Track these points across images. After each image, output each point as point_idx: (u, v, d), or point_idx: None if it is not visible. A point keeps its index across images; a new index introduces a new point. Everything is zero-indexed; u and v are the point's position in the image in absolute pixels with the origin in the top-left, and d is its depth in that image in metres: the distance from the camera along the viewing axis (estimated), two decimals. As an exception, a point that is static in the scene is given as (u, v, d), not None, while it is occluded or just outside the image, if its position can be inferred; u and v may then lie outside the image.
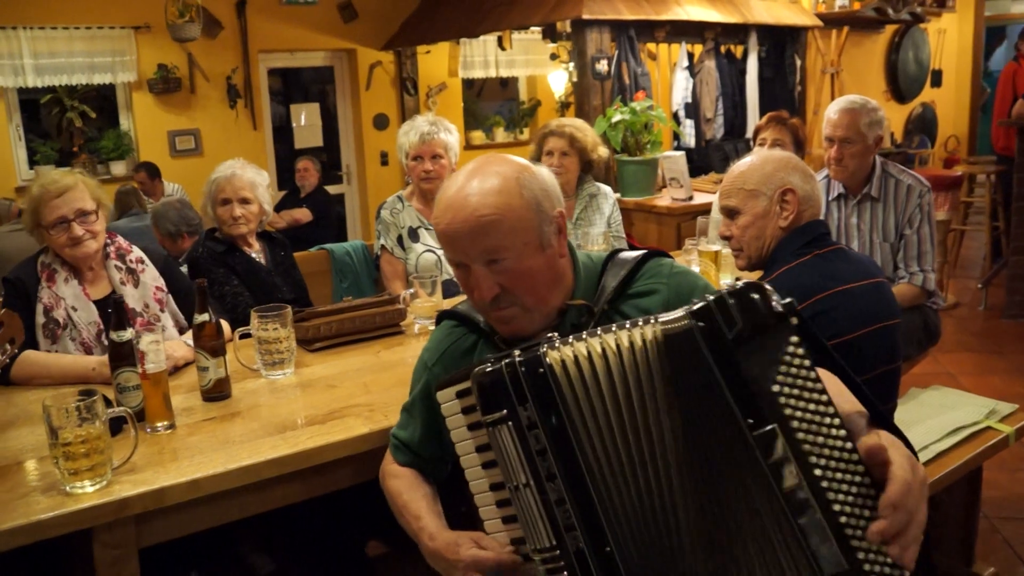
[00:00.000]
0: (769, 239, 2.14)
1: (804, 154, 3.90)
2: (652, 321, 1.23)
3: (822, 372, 1.20)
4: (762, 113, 5.83)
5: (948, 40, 10.63)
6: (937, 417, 2.73)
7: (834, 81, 8.89)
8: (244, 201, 3.09)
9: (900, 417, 2.40)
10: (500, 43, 8.20)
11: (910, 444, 1.20)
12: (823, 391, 1.13)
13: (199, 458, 1.86)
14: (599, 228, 3.70)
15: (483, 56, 9.11)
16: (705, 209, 4.21)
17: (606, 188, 3.85)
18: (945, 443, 2.55)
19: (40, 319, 2.49)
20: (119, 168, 7.50)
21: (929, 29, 10.18)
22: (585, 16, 6.08)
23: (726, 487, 1.18)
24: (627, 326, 1.24)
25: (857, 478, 1.12)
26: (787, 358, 1.14)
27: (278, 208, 6.95)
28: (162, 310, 2.67)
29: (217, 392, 2.21)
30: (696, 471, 1.20)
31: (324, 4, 8.17)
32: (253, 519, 2.81)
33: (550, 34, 7.18)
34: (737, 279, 2.72)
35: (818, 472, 1.11)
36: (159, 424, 2.03)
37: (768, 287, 1.18)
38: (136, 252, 2.71)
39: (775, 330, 1.15)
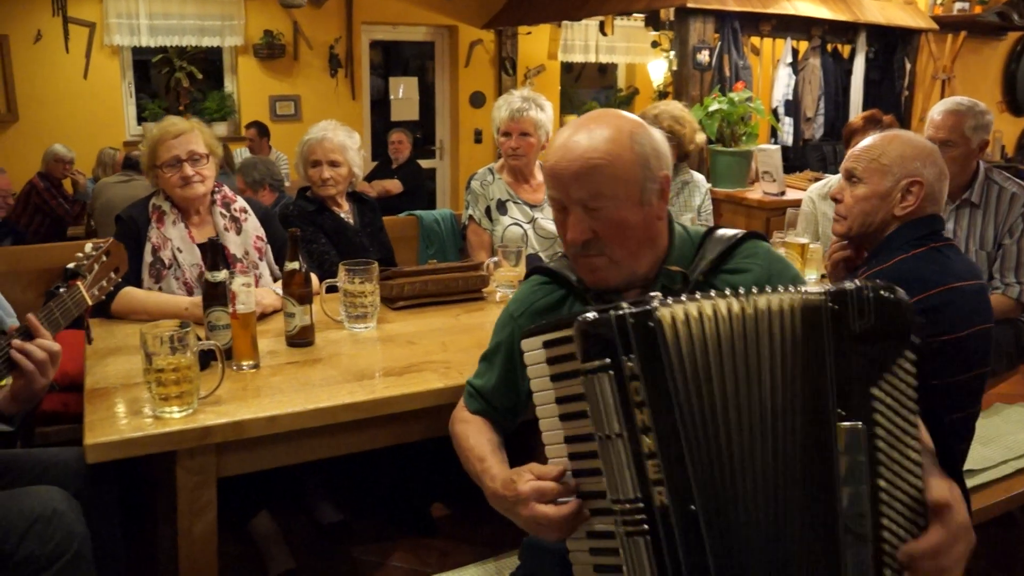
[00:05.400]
0: (879, 222, 2.07)
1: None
2: (775, 291, 1.26)
3: None
4: (865, 117, 5.67)
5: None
6: (1017, 435, 2.67)
7: (945, 88, 8.57)
8: (333, 164, 3.17)
9: (981, 432, 2.33)
10: (601, 28, 8.16)
11: (966, 492, 1.26)
12: (916, 413, 1.18)
13: (279, 397, 1.93)
14: (688, 215, 3.67)
15: (583, 40, 9.08)
16: (795, 203, 4.13)
17: (699, 176, 3.81)
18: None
19: (148, 258, 2.62)
20: (221, 129, 7.74)
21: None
22: (690, 4, 6.01)
23: (797, 470, 1.21)
24: (740, 294, 1.26)
25: (918, 507, 1.18)
26: (898, 371, 1.19)
27: (370, 178, 7.08)
28: (260, 259, 2.78)
29: (301, 338, 2.28)
30: (777, 446, 1.23)
31: (429, -20, 8.27)
32: (323, 471, 2.92)
33: (652, 21, 7.12)
34: (823, 276, 2.67)
35: (882, 483, 1.17)
36: (244, 363, 2.11)
37: (907, 299, 1.22)
38: (240, 202, 2.83)
39: (897, 341, 1.20)
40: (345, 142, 3.20)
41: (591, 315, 1.26)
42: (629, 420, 1.24)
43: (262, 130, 7.26)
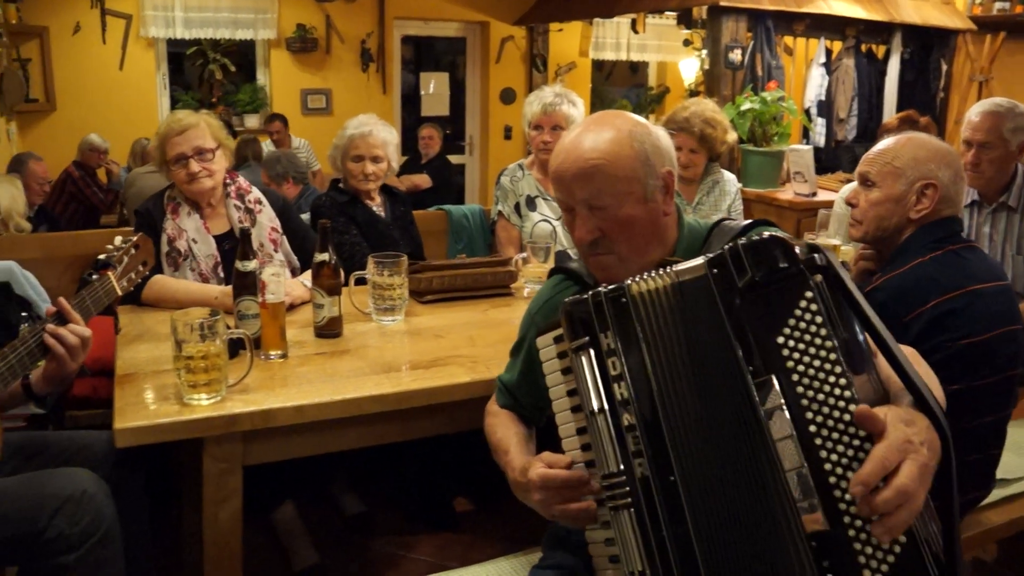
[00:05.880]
0: (894, 225, 2.06)
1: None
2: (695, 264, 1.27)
3: (906, 348, 1.19)
4: (900, 118, 5.61)
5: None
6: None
7: (982, 90, 8.44)
8: (376, 159, 3.18)
9: (1014, 438, 2.29)
10: (633, 26, 8.12)
11: (945, 435, 1.16)
12: (833, 350, 1.13)
13: (306, 387, 1.94)
14: (718, 215, 3.64)
15: (615, 38, 9.05)
16: (827, 204, 4.09)
17: (730, 176, 3.78)
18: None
19: (164, 248, 2.66)
20: (252, 121, 7.80)
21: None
22: (723, 3, 5.96)
23: (731, 431, 1.20)
24: (688, 265, 1.28)
25: (855, 441, 1.11)
26: (798, 312, 1.16)
27: (399, 173, 7.10)
28: (275, 250, 2.79)
29: (329, 330, 2.29)
30: (708, 411, 1.23)
31: (462, -25, 8.28)
32: (347, 463, 2.94)
33: (685, 20, 7.08)
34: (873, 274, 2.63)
35: (812, 428, 1.13)
36: (273, 352, 2.12)
37: (792, 242, 1.20)
38: (255, 193, 2.84)
39: (789, 284, 1.18)
40: (387, 138, 3.21)
41: (577, 299, 1.33)
42: (609, 394, 1.28)
43: (286, 122, 7.32)
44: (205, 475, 1.85)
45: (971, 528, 2.08)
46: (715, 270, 1.24)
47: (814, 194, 5.06)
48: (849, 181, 4.33)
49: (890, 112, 7.09)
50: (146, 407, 1.80)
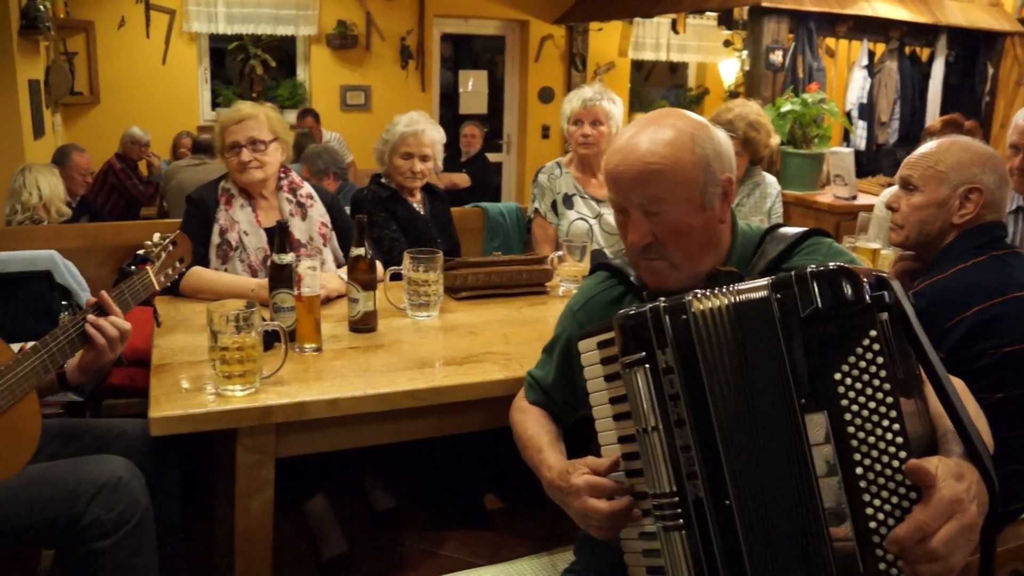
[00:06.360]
0: (936, 230, 2.02)
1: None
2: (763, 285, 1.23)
3: (955, 381, 1.17)
4: (943, 122, 5.51)
5: None
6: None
7: (1029, 95, 8.30)
8: (424, 158, 3.19)
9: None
10: (673, 26, 8.07)
11: (994, 488, 1.14)
12: (891, 392, 1.11)
13: (340, 380, 1.94)
14: (757, 218, 3.60)
15: (655, 38, 9.00)
16: (868, 208, 4.03)
17: (771, 178, 3.73)
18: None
19: (215, 239, 2.67)
20: (292, 116, 7.84)
21: None
22: (764, 3, 5.91)
23: (777, 460, 1.18)
24: (751, 285, 1.24)
25: (901, 489, 1.10)
26: (860, 350, 1.13)
27: (436, 171, 7.11)
28: (324, 244, 2.80)
29: (364, 324, 2.29)
30: (758, 437, 1.20)
31: (503, -26, 8.28)
32: (378, 457, 2.94)
33: (726, 20, 7.02)
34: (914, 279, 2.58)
35: (859, 471, 1.11)
36: (307, 345, 2.13)
37: (861, 275, 1.16)
38: (307, 188, 2.86)
39: (855, 320, 1.14)
40: (436, 137, 3.23)
41: (631, 310, 1.29)
42: (664, 413, 1.24)
43: (317, 117, 7.36)
44: (238, 466, 1.86)
45: (1011, 540, 2.03)
46: (779, 294, 1.19)
47: (854, 197, 4.99)
48: (890, 185, 4.27)
49: (933, 116, 6.98)
50: (181, 396, 1.82)
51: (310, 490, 2.67)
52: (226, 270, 2.66)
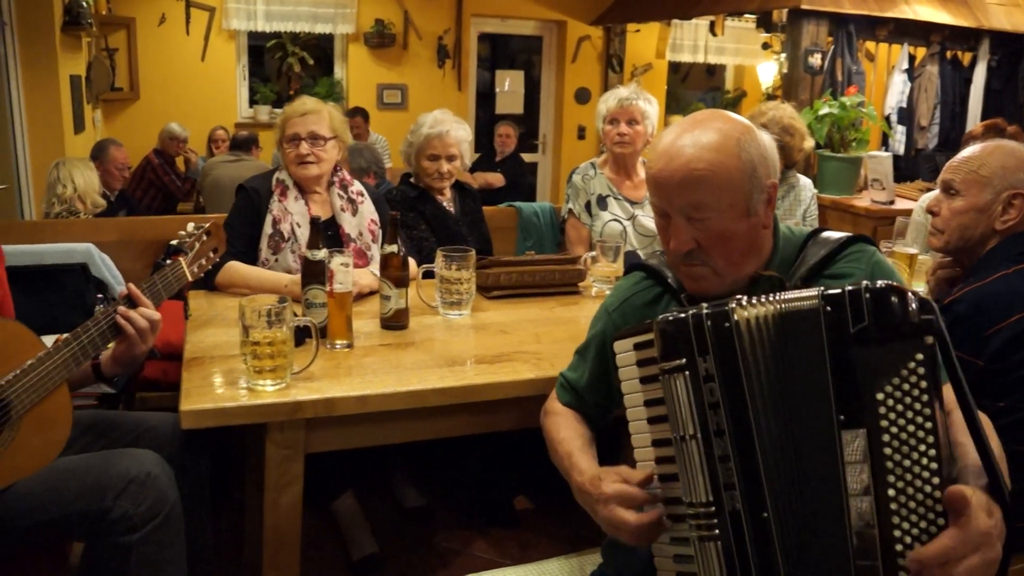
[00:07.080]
0: (978, 236, 1.98)
1: None
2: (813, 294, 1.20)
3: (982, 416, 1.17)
4: (984, 127, 5.40)
5: None
6: None
7: (1075, 101, 8.12)
8: (451, 158, 3.18)
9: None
10: (712, 28, 8.01)
11: (1012, 529, 1.12)
12: (930, 418, 1.10)
13: (371, 377, 1.93)
14: (792, 220, 3.55)
15: (693, 40, 8.94)
16: (905, 212, 3.96)
17: (807, 181, 3.68)
18: None
19: (268, 229, 2.69)
20: (336, 115, 7.90)
21: None
22: (804, 6, 5.84)
23: (811, 474, 1.17)
24: (798, 295, 1.22)
25: (930, 515, 1.09)
26: (904, 372, 1.12)
27: (472, 169, 7.10)
28: (374, 241, 2.82)
29: (396, 321, 2.28)
30: (794, 451, 1.19)
31: (541, -26, 8.26)
32: (408, 455, 2.93)
33: (764, 23, 6.94)
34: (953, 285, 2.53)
35: (892, 492, 1.11)
36: (338, 342, 2.12)
37: (912, 295, 1.14)
38: (357, 186, 2.89)
39: (903, 341, 1.12)
40: (461, 135, 3.21)
41: (671, 316, 1.26)
42: (703, 422, 1.22)
43: (366, 116, 7.38)
44: (267, 461, 1.86)
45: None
46: (829, 307, 1.17)
47: (892, 202, 4.91)
48: (929, 190, 4.19)
49: (974, 121, 6.86)
50: (212, 390, 1.82)
51: (339, 487, 2.67)
52: (277, 260, 2.67)
